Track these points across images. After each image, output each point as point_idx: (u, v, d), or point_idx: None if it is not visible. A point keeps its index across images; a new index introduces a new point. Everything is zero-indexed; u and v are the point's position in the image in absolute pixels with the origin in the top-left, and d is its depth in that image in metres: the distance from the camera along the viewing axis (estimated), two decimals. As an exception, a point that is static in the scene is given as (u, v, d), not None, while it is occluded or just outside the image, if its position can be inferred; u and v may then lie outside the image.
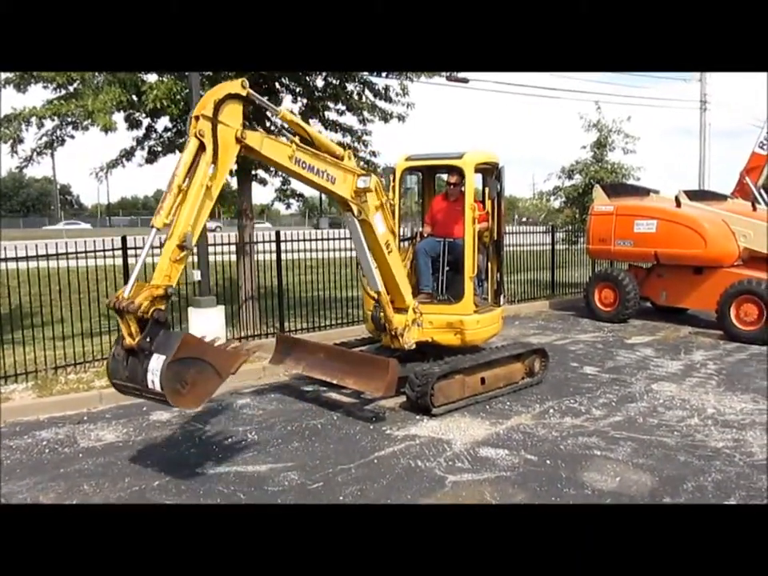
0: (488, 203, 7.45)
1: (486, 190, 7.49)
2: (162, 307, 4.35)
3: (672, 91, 53.49)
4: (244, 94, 4.91)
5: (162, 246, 4.65)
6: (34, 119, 8.00)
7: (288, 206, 11.95)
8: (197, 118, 4.67)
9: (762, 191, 13.86)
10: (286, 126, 5.90)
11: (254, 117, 5.10)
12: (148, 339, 4.23)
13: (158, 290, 4.33)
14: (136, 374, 4.28)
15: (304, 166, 5.55)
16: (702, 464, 5.26)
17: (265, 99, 5.55)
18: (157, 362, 4.18)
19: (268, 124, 9.13)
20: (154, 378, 4.17)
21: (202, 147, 4.65)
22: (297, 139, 5.52)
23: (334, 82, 9.73)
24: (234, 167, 9.82)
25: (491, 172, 7.55)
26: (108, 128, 7.88)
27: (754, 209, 11.85)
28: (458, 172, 7.35)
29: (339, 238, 10.14)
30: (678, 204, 11.21)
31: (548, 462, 5.32)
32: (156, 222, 4.45)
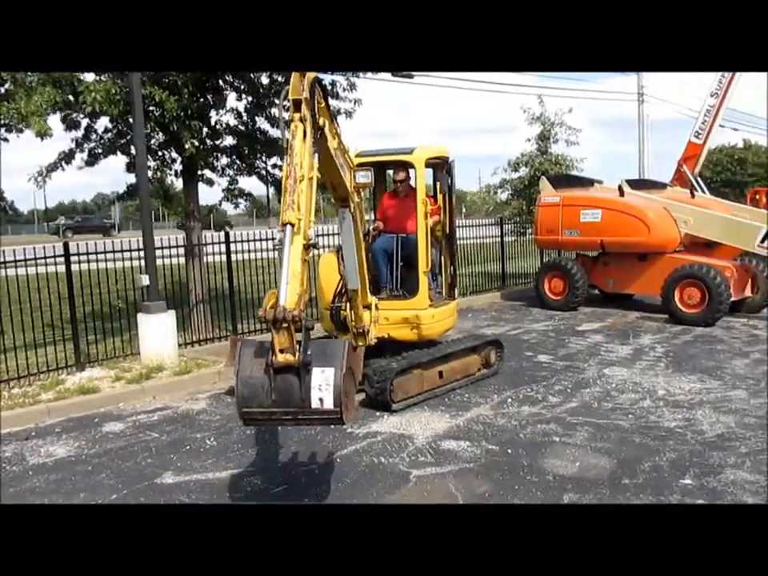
0: (439, 197, 7.48)
1: (438, 184, 7.52)
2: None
3: (612, 85, 54.93)
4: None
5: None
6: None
7: (236, 206, 11.74)
8: (297, 102, 4.13)
9: (699, 179, 14.44)
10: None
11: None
12: (309, 352, 3.63)
13: (306, 295, 3.85)
14: (291, 395, 3.61)
15: (337, 158, 5.06)
16: (657, 444, 5.41)
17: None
18: (324, 376, 3.59)
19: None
20: (323, 395, 3.58)
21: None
22: (338, 131, 5.04)
23: (279, 78, 9.60)
24: (180, 167, 9.60)
25: (442, 166, 7.59)
26: (43, 133, 7.56)
27: (693, 196, 12.32)
28: (408, 167, 7.35)
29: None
30: (622, 193, 11.52)
31: (509, 451, 5.38)
32: (290, 217, 3.78)
